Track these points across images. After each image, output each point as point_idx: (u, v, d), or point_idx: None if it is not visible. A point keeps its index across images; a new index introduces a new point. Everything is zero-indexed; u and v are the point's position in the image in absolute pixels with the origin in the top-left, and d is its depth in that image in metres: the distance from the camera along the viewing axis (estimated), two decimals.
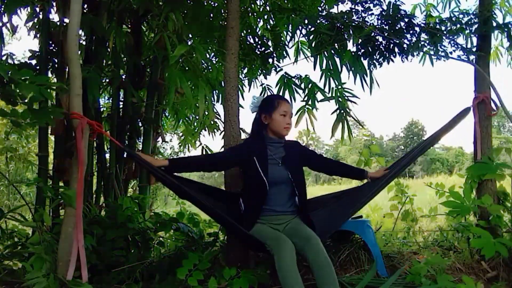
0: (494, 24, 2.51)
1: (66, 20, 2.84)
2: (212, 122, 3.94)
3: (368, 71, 2.87)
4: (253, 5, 3.61)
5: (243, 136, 2.99)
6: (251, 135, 2.29)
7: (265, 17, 3.61)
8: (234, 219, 2.04)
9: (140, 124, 3.48)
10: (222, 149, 2.54)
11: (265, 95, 2.27)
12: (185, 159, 2.31)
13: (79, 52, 1.88)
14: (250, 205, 2.12)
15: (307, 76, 3.19)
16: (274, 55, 3.50)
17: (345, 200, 2.36)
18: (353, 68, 2.89)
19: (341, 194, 2.42)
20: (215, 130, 4.01)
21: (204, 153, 3.99)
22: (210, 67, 3.56)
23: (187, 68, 3.10)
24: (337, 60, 2.96)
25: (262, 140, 2.19)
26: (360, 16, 2.70)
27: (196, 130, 4.18)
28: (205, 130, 4.10)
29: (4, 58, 2.86)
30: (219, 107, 3.98)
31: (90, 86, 2.49)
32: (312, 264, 1.85)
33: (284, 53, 3.54)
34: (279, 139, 2.21)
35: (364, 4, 2.69)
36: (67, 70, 2.91)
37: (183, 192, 2.07)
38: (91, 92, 2.53)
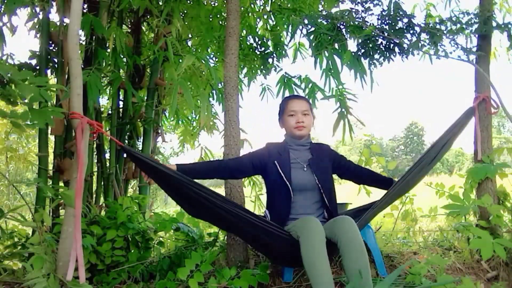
0: (494, 24, 2.51)
1: (66, 20, 2.84)
2: (211, 124, 3.94)
3: (368, 71, 2.87)
4: (253, 5, 3.61)
5: (243, 136, 2.99)
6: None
7: (265, 17, 3.61)
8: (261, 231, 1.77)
9: (140, 124, 3.48)
10: (222, 149, 2.53)
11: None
12: (194, 165, 2.02)
13: (79, 52, 1.87)
14: (275, 212, 1.95)
15: (307, 76, 3.20)
16: (274, 55, 3.50)
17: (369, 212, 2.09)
18: (353, 68, 2.88)
19: (369, 207, 2.11)
20: (214, 130, 4.00)
21: (203, 154, 3.98)
22: (210, 73, 3.57)
23: (187, 69, 3.10)
24: (337, 60, 2.96)
25: (284, 144, 2.05)
26: (360, 16, 2.70)
27: (194, 131, 4.18)
28: (204, 131, 4.09)
29: (4, 58, 2.86)
30: (218, 107, 3.99)
31: (90, 89, 2.49)
32: (342, 245, 1.64)
33: (284, 53, 3.54)
34: (302, 142, 2.04)
35: (364, 4, 2.69)
36: (67, 70, 2.91)
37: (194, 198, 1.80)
38: (91, 96, 2.53)
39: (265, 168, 1.99)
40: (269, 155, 1.99)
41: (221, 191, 2.47)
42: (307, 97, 3.14)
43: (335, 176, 2.20)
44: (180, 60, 3.33)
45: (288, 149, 2.02)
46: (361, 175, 2.20)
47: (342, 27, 2.71)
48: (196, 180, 1.85)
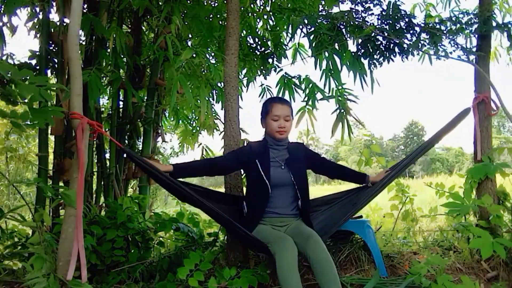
0: (494, 24, 2.51)
1: (66, 20, 2.84)
2: (211, 123, 3.93)
3: (368, 71, 2.87)
4: (253, 5, 3.61)
5: (243, 136, 2.99)
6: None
7: (265, 17, 3.61)
8: (236, 220, 2.02)
9: (140, 124, 3.48)
10: (223, 150, 2.53)
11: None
12: (188, 164, 2.19)
13: (79, 52, 1.87)
14: (252, 207, 2.12)
15: (307, 77, 3.20)
16: (274, 55, 3.50)
17: (346, 201, 2.37)
18: (353, 68, 2.88)
19: (342, 195, 2.42)
20: (214, 130, 4.00)
21: (204, 153, 3.98)
22: (209, 68, 3.57)
23: (187, 69, 3.10)
24: (337, 60, 2.96)
25: (265, 143, 2.19)
26: (360, 16, 2.70)
27: (194, 132, 4.18)
28: (204, 131, 4.09)
29: (4, 58, 2.86)
30: (217, 107, 3.99)
31: (90, 90, 2.49)
32: (312, 261, 1.85)
33: (284, 53, 3.54)
34: (281, 142, 2.19)
35: (364, 4, 2.69)
36: (67, 70, 2.91)
37: (185, 195, 2.05)
38: (92, 96, 2.53)
39: (247, 165, 2.15)
40: (251, 152, 2.15)
41: (221, 190, 2.48)
42: (307, 97, 3.14)
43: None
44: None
45: (268, 148, 2.17)
46: (334, 170, 2.39)
47: (342, 27, 2.71)
48: (196, 181, 1.94)
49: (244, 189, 2.45)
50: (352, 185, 2.44)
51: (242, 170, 2.39)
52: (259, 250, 2.20)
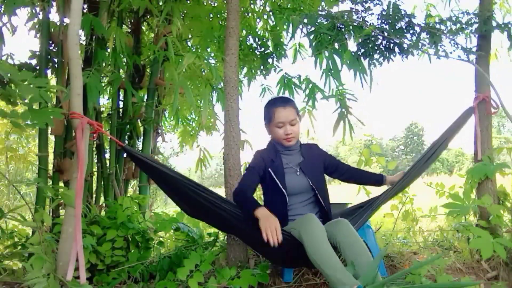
0: (494, 24, 2.51)
1: (66, 20, 2.85)
2: (210, 124, 3.94)
3: (368, 71, 2.87)
4: (252, 5, 3.61)
5: (243, 136, 2.99)
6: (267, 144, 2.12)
7: (265, 17, 3.61)
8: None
9: (140, 124, 3.48)
10: (223, 150, 2.53)
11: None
12: (249, 197, 1.90)
13: (79, 52, 1.87)
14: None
15: (307, 77, 3.20)
16: (274, 55, 3.50)
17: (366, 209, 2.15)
18: (353, 68, 2.88)
19: (364, 205, 2.21)
20: (213, 131, 4.01)
21: (202, 154, 3.98)
22: (210, 70, 3.57)
23: (188, 70, 3.11)
24: (337, 60, 2.96)
25: (275, 149, 2.04)
26: (360, 15, 2.70)
27: (193, 132, 4.18)
28: (203, 131, 4.09)
29: (4, 58, 2.85)
30: (217, 108, 3.99)
31: (89, 91, 2.49)
32: (343, 246, 1.70)
33: (284, 53, 3.54)
34: (292, 146, 2.04)
35: (364, 3, 2.69)
36: (67, 70, 2.91)
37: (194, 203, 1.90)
38: (91, 97, 2.53)
39: (263, 176, 2.00)
40: (264, 163, 1.98)
41: (221, 191, 2.47)
42: (307, 98, 3.14)
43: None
44: (180, 60, 3.33)
45: (280, 154, 2.02)
46: (350, 173, 2.21)
47: (342, 26, 2.71)
48: (196, 180, 1.93)
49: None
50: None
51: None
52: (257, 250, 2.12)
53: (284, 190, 1.93)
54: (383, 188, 2.25)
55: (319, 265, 1.62)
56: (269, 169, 1.96)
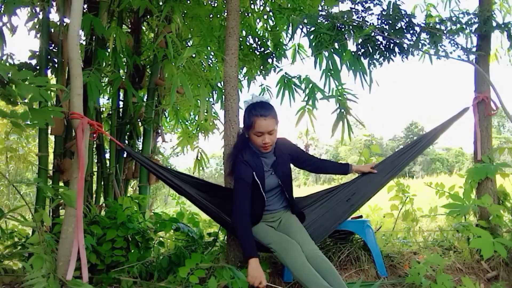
0: (494, 24, 2.51)
1: (66, 20, 2.85)
2: (210, 124, 3.94)
3: (368, 71, 2.87)
4: (253, 5, 3.61)
5: None
6: (239, 143, 2.21)
7: (265, 17, 3.61)
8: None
9: (140, 124, 3.48)
10: (222, 150, 2.53)
11: (256, 98, 2.13)
12: (249, 234, 1.97)
13: (79, 52, 1.87)
14: (252, 213, 2.07)
15: (307, 77, 3.19)
16: (274, 55, 3.50)
17: (341, 196, 2.34)
18: (353, 68, 2.88)
19: (335, 189, 2.40)
20: (212, 132, 4.02)
21: (199, 156, 4.00)
22: (209, 68, 3.57)
23: (187, 68, 3.10)
24: (337, 59, 2.96)
25: (255, 153, 2.11)
26: (360, 15, 2.70)
27: (193, 133, 4.18)
28: (202, 133, 4.10)
29: (4, 58, 2.86)
30: (217, 108, 3.99)
31: (90, 90, 2.49)
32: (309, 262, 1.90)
33: (283, 53, 3.54)
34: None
35: (364, 3, 2.69)
36: (67, 70, 2.91)
37: (183, 191, 2.12)
38: (92, 97, 2.53)
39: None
40: (251, 169, 2.07)
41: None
42: (307, 97, 3.14)
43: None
44: (179, 55, 3.32)
45: (259, 157, 2.12)
46: (316, 164, 2.36)
47: (342, 26, 2.71)
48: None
49: None
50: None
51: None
52: (260, 249, 2.19)
53: (262, 190, 2.07)
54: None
55: (305, 285, 1.82)
56: (254, 173, 2.06)
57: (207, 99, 3.19)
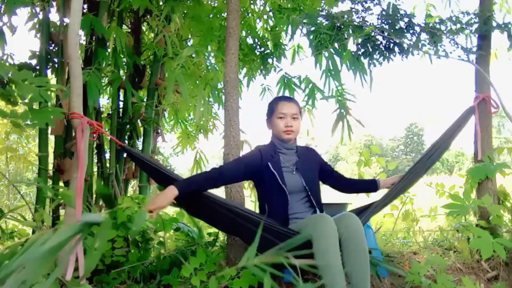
0: (494, 24, 2.51)
1: (66, 20, 2.85)
2: (209, 125, 3.95)
3: (368, 71, 2.88)
4: (252, 6, 3.61)
5: (243, 137, 2.99)
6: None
7: (265, 17, 3.61)
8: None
9: (140, 124, 3.48)
10: (222, 150, 2.53)
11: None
12: (191, 180, 1.86)
13: (79, 52, 1.87)
14: (274, 216, 1.92)
15: (307, 77, 3.20)
16: (274, 55, 3.51)
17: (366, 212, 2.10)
18: (353, 68, 2.89)
19: (368, 207, 2.13)
20: (211, 133, 4.02)
21: (198, 157, 3.99)
22: (209, 68, 3.57)
23: (187, 68, 3.11)
24: (337, 59, 2.96)
25: (273, 148, 2.03)
26: (360, 15, 2.70)
27: (193, 133, 4.18)
28: (201, 133, 4.10)
29: (4, 58, 2.86)
30: (216, 108, 3.99)
31: (89, 89, 2.49)
32: (344, 241, 1.66)
33: (283, 53, 3.55)
34: (290, 145, 2.05)
35: (364, 3, 2.69)
36: (67, 70, 2.91)
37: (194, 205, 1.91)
38: (91, 96, 2.53)
39: (258, 173, 1.98)
40: (262, 158, 1.97)
41: (221, 191, 2.47)
42: (307, 97, 3.14)
43: None
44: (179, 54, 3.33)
45: (278, 153, 2.02)
46: (343, 181, 2.21)
47: (342, 26, 2.71)
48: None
49: (247, 200, 2.31)
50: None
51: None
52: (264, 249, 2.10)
53: (284, 187, 1.92)
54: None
55: (325, 276, 1.57)
56: (269, 165, 1.94)
57: (206, 99, 3.19)
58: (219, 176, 1.88)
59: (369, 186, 2.23)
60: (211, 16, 3.49)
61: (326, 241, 1.59)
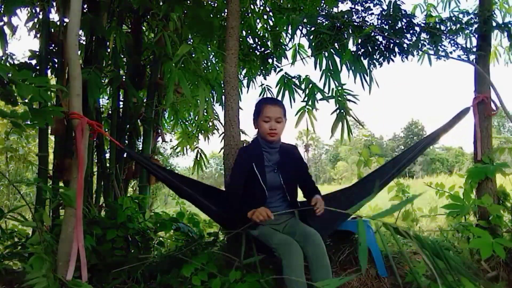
0: (494, 24, 2.51)
1: (66, 20, 2.85)
2: (210, 125, 3.95)
3: (368, 71, 2.87)
4: (252, 6, 3.61)
5: (243, 137, 2.99)
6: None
7: (265, 17, 3.61)
8: (236, 221, 2.03)
9: (140, 124, 3.48)
10: (222, 150, 2.53)
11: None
12: (241, 206, 2.06)
13: (79, 52, 1.88)
14: (254, 205, 2.03)
15: (307, 77, 3.19)
16: (274, 55, 3.50)
17: (343, 198, 2.39)
18: (353, 68, 2.89)
19: (338, 193, 2.46)
20: (211, 133, 4.02)
21: (198, 157, 4.00)
22: (210, 68, 3.57)
23: (187, 68, 3.10)
24: (337, 59, 2.96)
25: (259, 145, 2.18)
26: (360, 15, 2.70)
27: (193, 133, 4.18)
28: (201, 134, 4.10)
29: (4, 58, 2.86)
30: (218, 108, 4.00)
31: (90, 88, 2.49)
32: (310, 257, 1.87)
33: (283, 53, 3.54)
34: (273, 144, 2.18)
35: (364, 3, 2.69)
36: (67, 70, 2.91)
37: (184, 192, 2.13)
38: (92, 95, 2.53)
39: (247, 172, 2.14)
40: (248, 160, 2.12)
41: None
42: (307, 97, 3.14)
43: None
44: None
45: (262, 151, 2.17)
46: (303, 186, 2.30)
47: (342, 26, 2.71)
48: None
49: None
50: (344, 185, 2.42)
51: None
52: (262, 251, 2.18)
53: (264, 186, 2.08)
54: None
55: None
56: (253, 165, 2.10)
57: (207, 99, 3.19)
58: (238, 189, 2.11)
59: (310, 193, 2.26)
60: (211, 16, 3.49)
61: (293, 265, 1.81)
